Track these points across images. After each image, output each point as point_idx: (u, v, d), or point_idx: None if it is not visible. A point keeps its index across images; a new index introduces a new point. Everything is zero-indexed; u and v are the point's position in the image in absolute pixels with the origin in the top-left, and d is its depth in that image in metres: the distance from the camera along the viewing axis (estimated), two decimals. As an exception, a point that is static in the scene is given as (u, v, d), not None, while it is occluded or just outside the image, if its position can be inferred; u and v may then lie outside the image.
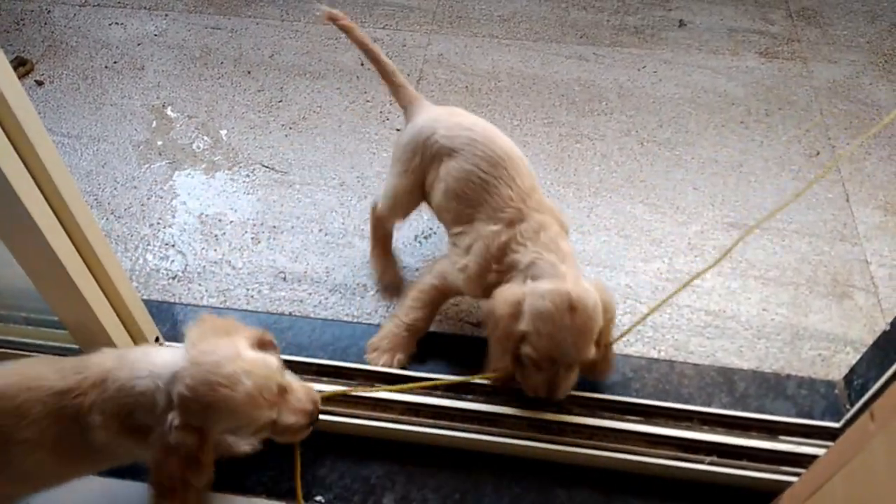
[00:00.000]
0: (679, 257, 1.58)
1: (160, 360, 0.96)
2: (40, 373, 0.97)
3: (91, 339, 1.15)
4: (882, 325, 1.27)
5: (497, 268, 1.22)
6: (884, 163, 1.78)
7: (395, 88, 1.45)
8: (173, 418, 0.90)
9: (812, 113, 1.91)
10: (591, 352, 1.15)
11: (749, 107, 1.92)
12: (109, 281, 1.09)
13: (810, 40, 2.13)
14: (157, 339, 1.27)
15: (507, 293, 1.17)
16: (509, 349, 1.17)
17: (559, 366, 1.15)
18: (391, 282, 1.52)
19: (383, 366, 1.32)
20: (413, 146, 1.34)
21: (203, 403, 0.90)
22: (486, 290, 1.23)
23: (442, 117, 1.34)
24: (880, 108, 1.92)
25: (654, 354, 1.41)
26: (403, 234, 1.62)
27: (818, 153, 1.80)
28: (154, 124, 1.88)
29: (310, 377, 1.30)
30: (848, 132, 1.85)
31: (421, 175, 1.35)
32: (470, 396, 1.28)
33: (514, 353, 1.17)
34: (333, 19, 1.45)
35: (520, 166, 1.27)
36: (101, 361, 0.98)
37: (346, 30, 1.46)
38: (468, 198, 1.26)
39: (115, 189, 1.73)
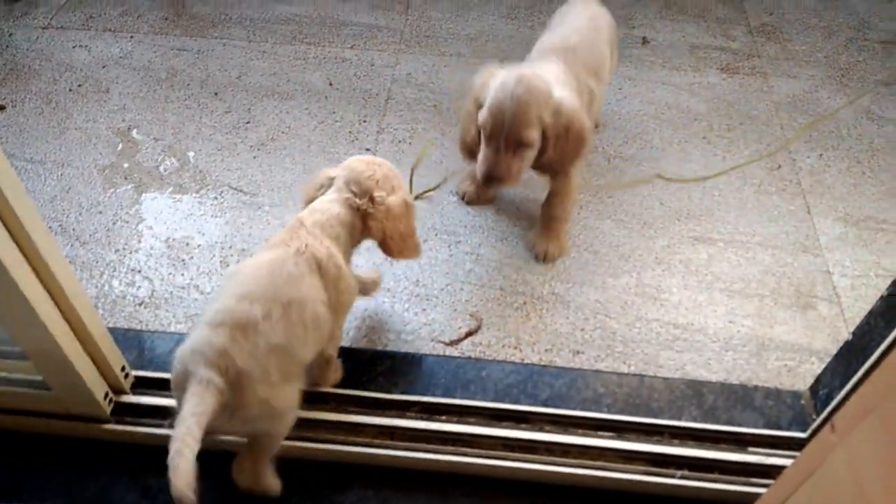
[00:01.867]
0: (647, 272, 1.60)
1: None
2: None
3: (55, 369, 1.13)
4: (845, 335, 1.30)
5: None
6: (843, 175, 1.83)
7: None
8: None
9: (772, 127, 1.95)
10: (529, 134, 1.34)
11: (711, 122, 1.96)
12: (73, 310, 1.08)
13: (770, 56, 2.18)
14: (122, 369, 1.25)
15: (484, 71, 1.42)
16: (474, 121, 1.39)
17: (501, 141, 1.33)
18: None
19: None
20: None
21: None
22: None
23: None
24: (839, 120, 1.98)
25: (625, 369, 1.43)
26: (375, 255, 1.62)
27: (779, 166, 1.84)
28: (120, 147, 1.86)
29: (280, 402, 1.28)
30: (808, 145, 1.90)
31: None
32: (444, 417, 1.28)
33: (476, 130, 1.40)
34: None
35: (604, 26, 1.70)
36: None
37: None
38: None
39: (80, 214, 1.70)
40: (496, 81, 1.36)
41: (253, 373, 0.99)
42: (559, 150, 1.40)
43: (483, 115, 1.36)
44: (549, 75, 1.40)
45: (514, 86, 1.32)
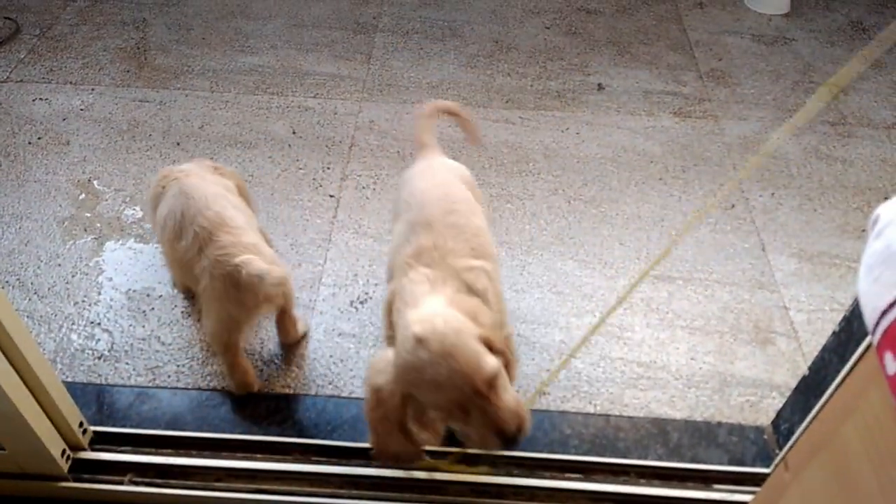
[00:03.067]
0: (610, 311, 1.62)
1: None
2: None
3: (8, 428, 1.10)
4: (803, 369, 1.32)
5: (391, 332, 1.12)
6: (795, 212, 1.89)
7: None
8: None
9: (725, 168, 2.01)
10: (487, 363, 0.97)
11: (666, 164, 2.02)
12: (27, 366, 1.05)
13: (720, 99, 2.27)
14: (80, 425, 1.22)
15: (376, 365, 1.05)
16: (396, 422, 1.04)
17: (476, 402, 0.96)
18: None
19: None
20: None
21: None
22: None
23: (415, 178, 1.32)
24: (788, 160, 2.05)
25: (591, 409, 1.43)
26: (339, 300, 1.62)
27: (733, 206, 1.90)
28: (81, 198, 1.85)
29: (243, 454, 1.27)
30: (760, 185, 1.96)
31: None
32: (412, 465, 1.27)
33: (401, 425, 1.04)
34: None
35: (430, 228, 1.18)
36: None
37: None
38: (393, 255, 1.24)
39: (39, 268, 1.67)
40: (398, 363, 1.01)
41: None
42: (494, 341, 1.04)
43: (431, 407, 1.02)
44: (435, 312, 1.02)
45: (426, 352, 0.96)
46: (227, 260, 1.24)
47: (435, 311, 1.02)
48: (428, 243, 1.16)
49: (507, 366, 1.06)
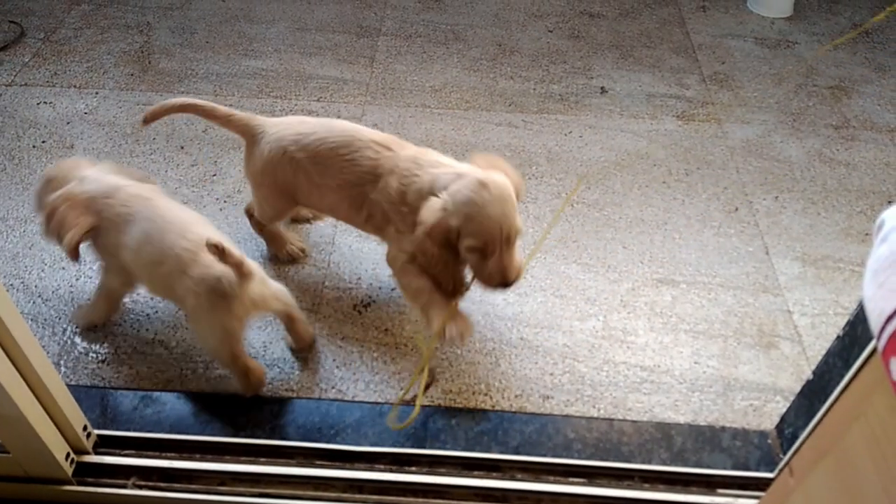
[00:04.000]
0: (613, 314, 1.62)
1: None
2: None
3: (13, 431, 1.10)
4: (807, 373, 1.32)
5: (408, 209, 1.33)
6: (799, 216, 1.89)
7: (225, 121, 1.52)
8: None
9: (729, 171, 2.01)
10: (520, 220, 1.28)
11: (670, 167, 2.02)
12: (31, 368, 1.05)
13: (723, 103, 2.27)
14: (84, 429, 1.23)
15: (427, 208, 1.27)
16: (447, 258, 1.30)
17: (501, 245, 1.25)
18: (289, 250, 1.68)
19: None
20: (270, 167, 1.45)
21: None
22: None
23: (283, 134, 1.44)
24: (792, 163, 2.05)
25: (594, 413, 1.43)
26: (343, 304, 1.62)
27: (737, 209, 1.89)
28: (84, 203, 1.85)
29: (247, 458, 1.27)
30: (763, 188, 1.96)
31: (288, 189, 1.48)
32: (414, 469, 1.27)
33: (454, 261, 1.31)
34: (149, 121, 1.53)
35: (368, 134, 1.41)
36: None
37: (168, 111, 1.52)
38: (350, 181, 1.38)
39: (43, 271, 1.68)
40: (458, 198, 1.25)
41: None
42: None
43: (472, 238, 1.26)
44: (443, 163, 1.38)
45: (487, 191, 1.24)
46: (209, 274, 1.25)
47: (488, 169, 1.30)
48: (384, 137, 1.41)
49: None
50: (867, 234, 1.84)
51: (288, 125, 1.46)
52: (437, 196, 1.28)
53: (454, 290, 1.37)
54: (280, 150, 1.43)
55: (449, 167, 1.33)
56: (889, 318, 0.52)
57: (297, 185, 1.46)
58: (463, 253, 1.29)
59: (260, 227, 1.66)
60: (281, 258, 1.70)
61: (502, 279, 1.29)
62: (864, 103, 2.28)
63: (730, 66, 2.43)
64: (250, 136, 1.50)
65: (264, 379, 1.42)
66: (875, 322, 0.54)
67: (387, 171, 1.36)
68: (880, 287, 0.53)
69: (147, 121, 1.52)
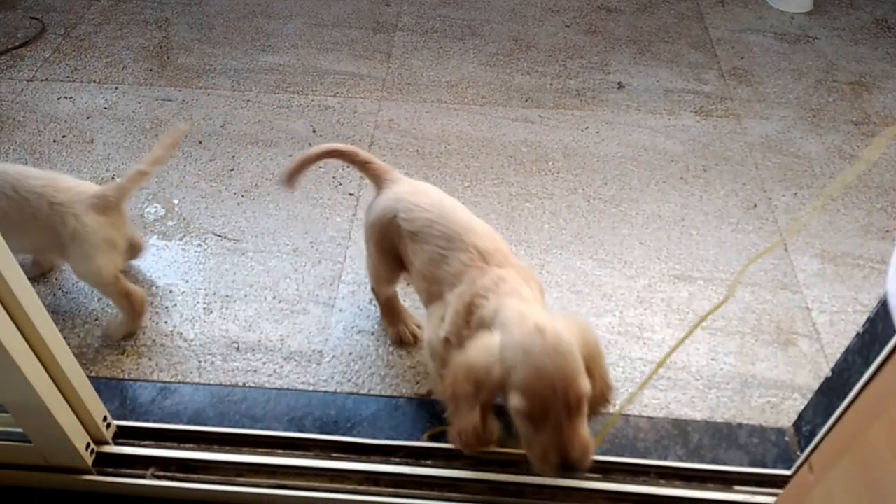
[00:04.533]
0: (629, 310, 1.62)
1: None
2: None
3: (35, 421, 1.12)
4: (826, 371, 1.31)
5: (467, 330, 1.15)
6: (818, 212, 1.87)
7: (362, 166, 1.43)
8: None
9: (747, 167, 2.00)
10: (585, 382, 1.01)
11: (688, 163, 2.01)
12: (53, 361, 1.07)
13: (742, 98, 2.25)
14: (104, 419, 1.24)
15: (478, 342, 1.08)
16: (479, 401, 1.06)
17: (559, 412, 0.98)
18: (401, 332, 1.53)
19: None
20: (379, 226, 1.34)
21: None
22: None
23: (403, 197, 1.33)
24: (811, 159, 2.03)
25: (610, 409, 1.43)
26: (359, 298, 1.63)
27: (755, 205, 1.88)
28: (103, 196, 1.87)
29: (264, 450, 1.28)
30: (782, 184, 1.94)
31: (393, 250, 1.35)
32: (429, 462, 1.28)
33: (486, 408, 1.07)
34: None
35: (478, 233, 1.24)
36: None
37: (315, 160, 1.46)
38: (434, 276, 1.24)
39: (63, 264, 1.70)
40: (510, 341, 1.04)
41: None
42: (597, 367, 1.11)
43: (520, 395, 1.00)
44: (529, 300, 1.12)
45: (542, 338, 1.01)
46: (84, 191, 1.41)
47: (552, 317, 1.06)
48: (488, 246, 1.22)
49: (600, 398, 1.11)
50: (887, 231, 1.82)
51: (413, 190, 1.35)
52: (491, 331, 1.08)
53: (478, 440, 1.09)
54: (392, 211, 1.32)
55: (518, 303, 1.10)
56: (913, 314, 0.51)
57: (399, 252, 1.35)
58: (513, 418, 1.04)
59: (375, 292, 1.53)
60: (390, 337, 1.55)
61: (561, 457, 1.00)
62: (885, 99, 2.25)
63: (749, 62, 2.40)
64: (378, 186, 1.41)
65: (146, 304, 1.51)
66: (898, 317, 0.54)
67: (468, 282, 1.18)
68: (904, 282, 0.53)
69: (289, 180, 1.46)
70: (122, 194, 1.42)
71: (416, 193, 1.33)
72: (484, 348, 1.06)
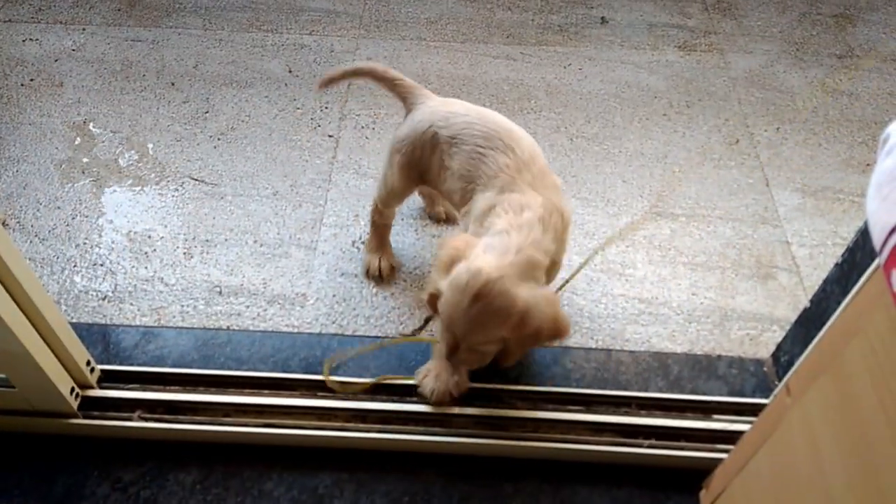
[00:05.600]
0: (611, 248, 1.62)
1: None
2: None
3: (18, 367, 1.11)
4: (804, 303, 1.33)
5: (479, 230, 1.21)
6: (800, 147, 1.87)
7: (391, 84, 1.45)
8: None
9: (730, 102, 1.98)
10: (488, 349, 1.14)
11: (671, 99, 1.99)
12: (33, 306, 1.06)
13: (726, 32, 2.21)
14: (88, 364, 1.24)
15: (458, 239, 1.16)
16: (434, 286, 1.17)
17: (451, 345, 1.14)
18: (374, 263, 1.55)
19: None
20: (412, 140, 1.35)
21: None
22: None
23: (437, 109, 1.35)
24: (794, 94, 2.01)
25: (592, 344, 1.45)
26: (341, 241, 1.62)
27: (737, 141, 1.88)
28: (77, 141, 1.83)
29: (250, 391, 1.28)
30: (765, 119, 1.93)
31: (419, 166, 1.37)
32: (416, 399, 1.29)
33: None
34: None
35: (519, 138, 1.26)
36: None
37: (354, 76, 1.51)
38: (470, 174, 1.26)
39: (38, 210, 1.67)
40: (451, 281, 1.11)
41: None
42: (524, 347, 1.19)
43: (441, 313, 1.14)
44: (511, 255, 1.11)
45: (467, 303, 1.08)
46: None
47: (526, 286, 1.11)
48: (525, 155, 1.24)
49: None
50: (868, 165, 1.83)
51: (446, 103, 1.37)
52: (479, 239, 1.15)
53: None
54: (427, 122, 1.33)
55: (517, 239, 1.13)
56: (892, 231, 0.51)
57: (429, 166, 1.35)
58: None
59: (376, 214, 1.52)
60: (363, 264, 1.56)
61: (447, 357, 1.18)
62: (869, 31, 2.23)
63: (733, -5, 2.36)
64: (409, 103, 1.42)
65: None
66: (878, 236, 0.54)
67: (497, 189, 1.21)
68: (884, 200, 0.53)
69: (323, 85, 1.48)
70: None
71: (450, 104, 1.37)
72: (450, 250, 1.15)
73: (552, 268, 1.22)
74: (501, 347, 1.15)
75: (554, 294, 1.15)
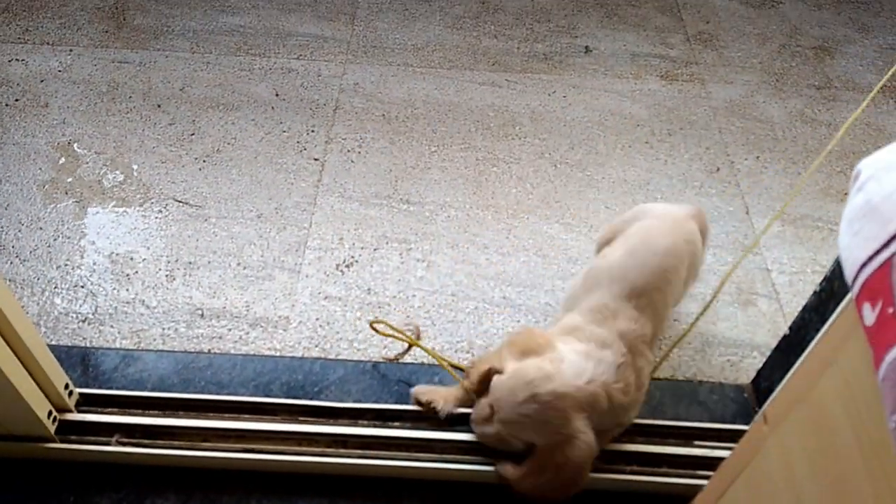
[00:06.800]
0: (595, 274, 1.63)
1: None
2: None
3: (-7, 390, 1.09)
4: (784, 330, 1.35)
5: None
6: (779, 175, 1.90)
7: None
8: None
9: (711, 131, 2.02)
10: (515, 442, 1.15)
11: (653, 127, 2.02)
12: (11, 328, 1.05)
13: (707, 63, 2.26)
14: (66, 387, 1.22)
15: (541, 334, 1.20)
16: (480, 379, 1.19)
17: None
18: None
19: None
20: None
21: None
22: None
23: None
24: (774, 123, 2.05)
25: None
26: (325, 264, 1.62)
27: (718, 169, 1.90)
28: (61, 162, 1.82)
29: (230, 415, 1.27)
30: (745, 148, 1.97)
31: None
32: (397, 423, 1.29)
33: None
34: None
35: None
36: None
37: None
38: None
39: (20, 231, 1.65)
40: (518, 370, 1.13)
41: None
42: (541, 479, 1.15)
43: (492, 390, 1.16)
44: (582, 381, 1.11)
45: (522, 398, 1.10)
46: None
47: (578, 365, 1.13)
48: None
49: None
50: (846, 194, 1.85)
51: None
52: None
53: None
54: None
55: (586, 352, 1.16)
56: (863, 266, 0.52)
57: None
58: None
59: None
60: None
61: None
62: (847, 64, 2.28)
63: (714, 26, 2.41)
64: None
65: None
66: (850, 270, 0.55)
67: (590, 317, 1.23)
68: (855, 235, 0.54)
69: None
70: None
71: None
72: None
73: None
74: (524, 469, 1.15)
75: (596, 448, 1.12)
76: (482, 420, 1.18)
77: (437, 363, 1.42)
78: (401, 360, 1.45)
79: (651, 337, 1.21)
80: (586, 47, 2.29)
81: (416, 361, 1.45)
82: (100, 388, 1.31)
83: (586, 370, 1.11)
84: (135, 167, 1.82)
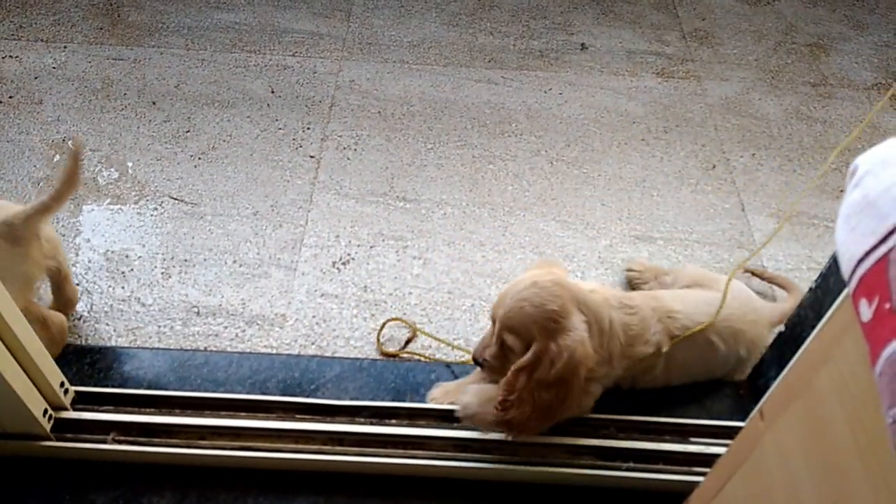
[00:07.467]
0: (591, 271, 1.64)
1: None
2: None
3: (-12, 388, 1.09)
4: (780, 327, 1.35)
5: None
6: (775, 173, 1.90)
7: None
8: None
9: (707, 128, 2.02)
10: (509, 340, 1.17)
11: (649, 125, 2.02)
12: (6, 326, 1.04)
13: (703, 60, 2.26)
14: (62, 385, 1.22)
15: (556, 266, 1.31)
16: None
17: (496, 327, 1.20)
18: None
19: None
20: None
21: None
22: None
23: None
24: (769, 120, 2.05)
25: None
26: (321, 262, 1.62)
27: (714, 166, 1.91)
28: (56, 159, 1.81)
29: (227, 413, 1.27)
30: (741, 145, 1.97)
31: None
32: (394, 421, 1.29)
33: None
34: None
35: None
36: None
37: None
38: None
39: None
40: (526, 271, 1.25)
41: None
42: (535, 393, 1.15)
43: (498, 297, 1.23)
44: (585, 292, 1.19)
45: (524, 285, 1.17)
46: None
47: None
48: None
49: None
50: (842, 191, 1.86)
51: None
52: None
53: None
54: None
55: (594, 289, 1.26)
56: (859, 261, 0.53)
57: None
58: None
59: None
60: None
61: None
62: (842, 61, 2.28)
63: (710, 23, 2.41)
64: None
65: (65, 331, 1.37)
66: (846, 266, 0.55)
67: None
68: (852, 231, 0.54)
69: None
70: (30, 225, 1.25)
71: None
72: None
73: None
74: (519, 365, 1.15)
75: (589, 349, 1.15)
76: (483, 347, 1.23)
77: (433, 361, 1.42)
78: (398, 357, 1.44)
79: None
80: (582, 44, 2.29)
81: (412, 358, 1.45)
82: (95, 385, 1.31)
83: (595, 289, 1.22)
84: (130, 164, 1.81)
